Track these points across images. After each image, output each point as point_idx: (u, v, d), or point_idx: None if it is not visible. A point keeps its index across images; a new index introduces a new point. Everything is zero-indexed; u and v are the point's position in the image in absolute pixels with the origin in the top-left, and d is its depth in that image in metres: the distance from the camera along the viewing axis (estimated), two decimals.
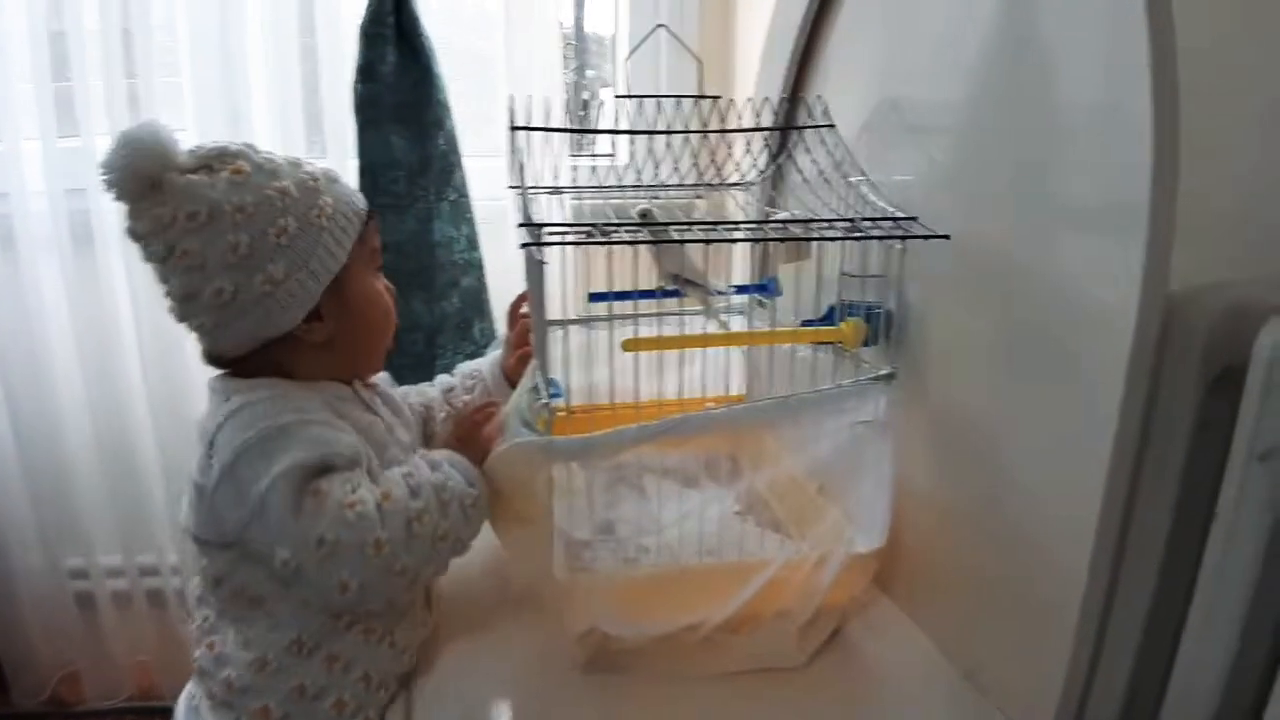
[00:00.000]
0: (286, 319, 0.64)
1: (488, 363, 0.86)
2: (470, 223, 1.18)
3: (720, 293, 0.80)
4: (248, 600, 0.63)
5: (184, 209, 0.61)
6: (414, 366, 1.16)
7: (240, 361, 0.66)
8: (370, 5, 1.10)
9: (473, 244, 1.18)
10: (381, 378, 0.77)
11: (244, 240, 0.61)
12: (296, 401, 0.63)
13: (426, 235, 1.13)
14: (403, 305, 1.15)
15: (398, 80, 1.10)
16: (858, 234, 0.66)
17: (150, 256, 0.63)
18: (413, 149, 1.12)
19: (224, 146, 0.64)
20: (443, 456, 0.66)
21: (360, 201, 0.70)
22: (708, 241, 0.64)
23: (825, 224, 0.67)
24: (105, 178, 0.61)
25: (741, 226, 0.66)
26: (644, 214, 0.69)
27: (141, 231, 0.62)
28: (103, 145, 1.13)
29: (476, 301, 1.19)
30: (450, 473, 0.64)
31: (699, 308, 0.80)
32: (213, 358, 0.67)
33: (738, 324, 0.85)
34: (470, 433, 0.70)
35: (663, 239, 0.64)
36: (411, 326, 1.15)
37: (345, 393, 0.69)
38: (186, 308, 0.63)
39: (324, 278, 0.65)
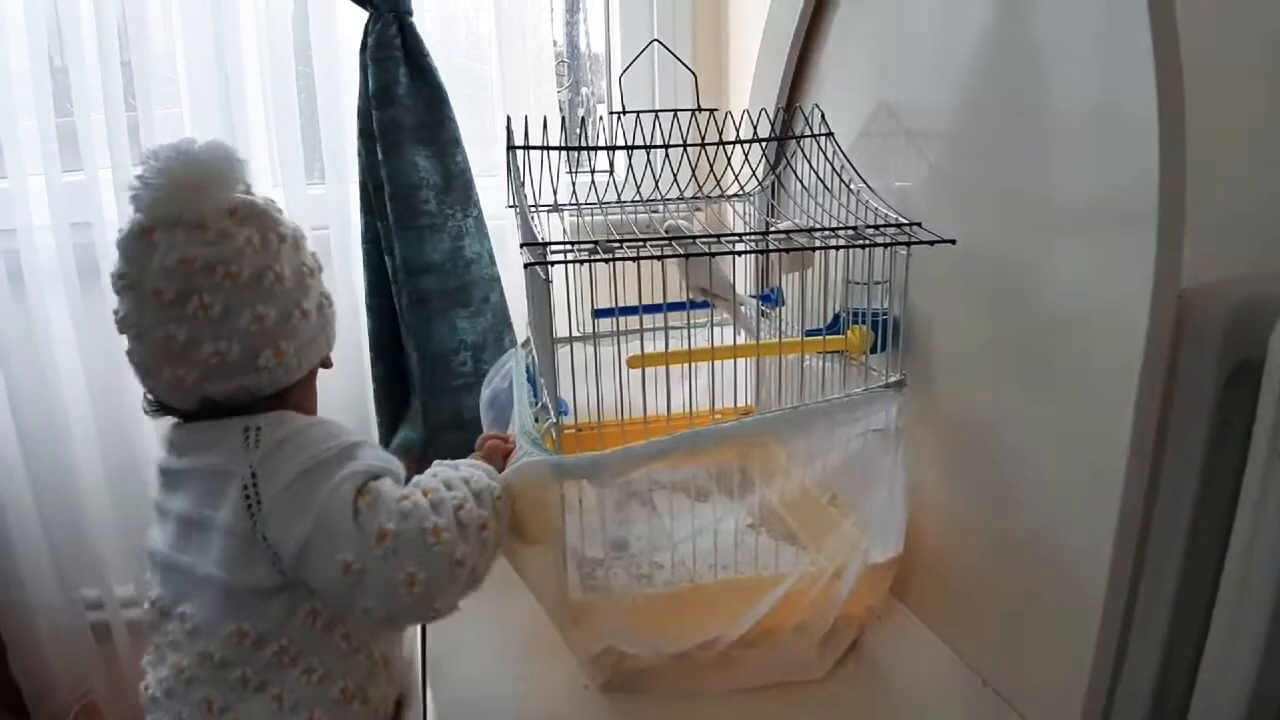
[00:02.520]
0: (333, 339, 0.66)
1: None
2: (488, 239, 1.18)
3: (746, 304, 0.81)
4: (290, 658, 0.59)
5: (274, 229, 0.61)
6: (467, 387, 1.13)
7: (243, 402, 0.61)
8: (374, 30, 1.10)
9: (493, 259, 1.18)
10: None
11: (311, 262, 0.63)
12: (339, 428, 0.62)
13: (460, 252, 1.13)
14: (447, 325, 1.14)
15: (413, 101, 1.10)
16: (863, 241, 0.66)
17: (216, 283, 0.58)
18: (436, 168, 1.12)
19: None
20: (459, 461, 0.66)
21: None
22: (712, 254, 0.63)
23: (829, 232, 0.67)
24: (177, 193, 0.58)
25: (746, 238, 0.66)
26: (671, 230, 0.69)
27: (216, 257, 0.58)
28: (105, 179, 1.15)
29: (504, 316, 1.19)
30: (471, 470, 0.64)
31: (707, 321, 0.80)
32: (205, 404, 0.61)
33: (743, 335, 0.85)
34: (492, 455, 0.69)
35: (678, 254, 0.64)
36: (459, 347, 1.13)
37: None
38: (266, 336, 0.60)
39: None
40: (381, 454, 0.62)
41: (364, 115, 1.11)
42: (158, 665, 0.62)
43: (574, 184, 0.80)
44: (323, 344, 0.65)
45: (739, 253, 0.65)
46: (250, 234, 0.59)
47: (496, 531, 0.61)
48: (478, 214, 1.16)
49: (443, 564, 0.57)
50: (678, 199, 0.83)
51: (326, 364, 0.67)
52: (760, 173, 0.86)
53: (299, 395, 0.64)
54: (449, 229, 1.12)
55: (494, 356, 1.15)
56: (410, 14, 1.11)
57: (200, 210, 0.58)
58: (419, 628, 0.77)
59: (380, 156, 1.09)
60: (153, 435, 1.24)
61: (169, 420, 0.64)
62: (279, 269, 0.60)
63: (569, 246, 0.63)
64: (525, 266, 0.63)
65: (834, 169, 0.75)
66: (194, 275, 0.58)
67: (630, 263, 0.62)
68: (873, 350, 0.72)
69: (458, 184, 1.13)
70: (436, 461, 0.66)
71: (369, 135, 1.10)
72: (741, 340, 0.82)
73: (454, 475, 0.62)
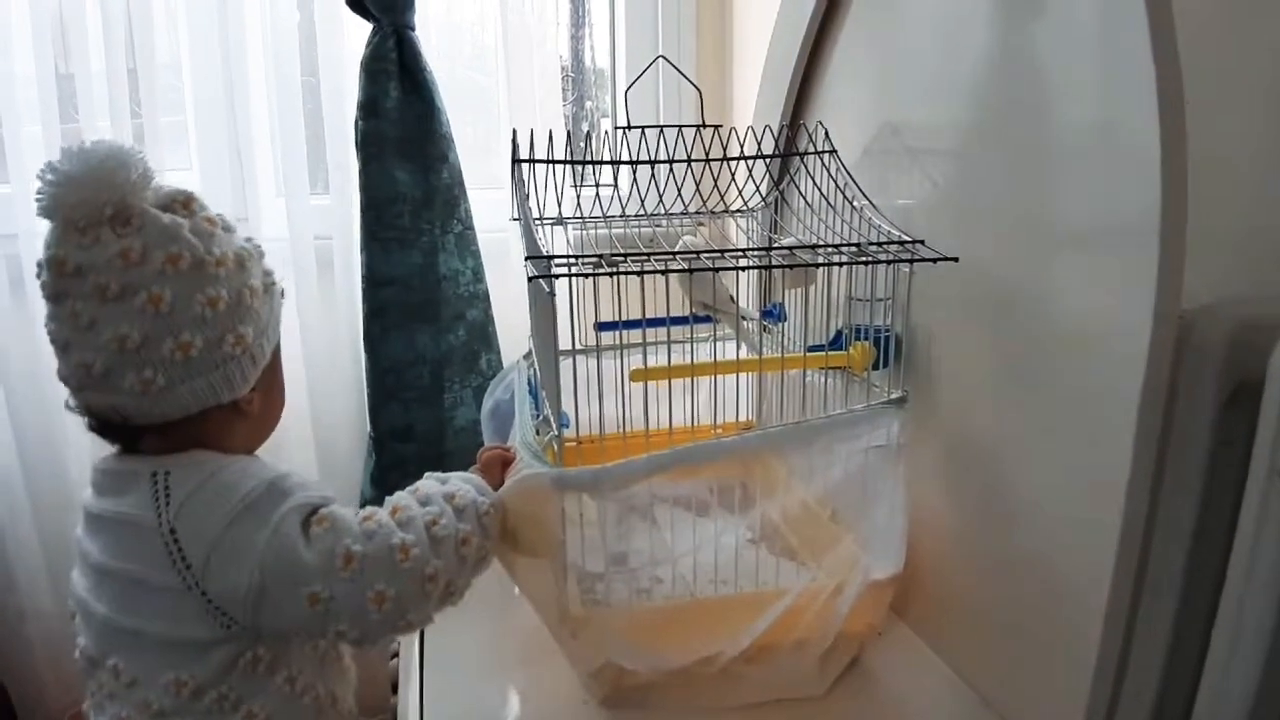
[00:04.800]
0: (241, 385, 0.59)
1: None
2: (476, 255, 1.18)
3: (749, 319, 0.81)
4: (231, 705, 0.58)
5: (163, 249, 0.55)
6: (420, 400, 1.16)
7: (150, 434, 0.59)
8: (372, 41, 1.11)
9: (478, 276, 1.18)
10: None
11: (224, 296, 0.57)
12: (257, 466, 0.59)
13: (432, 268, 1.14)
14: (408, 339, 1.15)
15: (401, 115, 1.11)
16: (866, 258, 0.66)
17: (86, 292, 0.55)
18: (417, 183, 1.13)
19: (182, 190, 0.59)
20: (450, 474, 0.65)
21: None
22: (716, 269, 0.64)
23: (832, 249, 0.68)
24: (54, 191, 0.54)
25: (750, 253, 0.66)
26: (678, 245, 0.69)
27: (87, 264, 0.54)
28: None
29: (483, 334, 1.19)
30: (459, 485, 0.63)
31: (709, 335, 0.81)
32: (106, 426, 0.60)
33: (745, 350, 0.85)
34: (490, 465, 0.69)
35: (682, 268, 0.64)
36: (417, 360, 1.15)
37: (268, 461, 0.64)
38: (128, 359, 0.55)
39: (275, 343, 0.63)
40: (311, 483, 0.60)
41: (357, 126, 1.12)
42: (98, 715, 0.60)
43: (578, 198, 0.80)
44: (220, 386, 0.58)
45: (742, 268, 0.66)
46: (128, 246, 0.55)
47: (480, 546, 0.61)
48: (461, 230, 1.16)
49: (412, 580, 0.57)
50: (681, 214, 0.83)
51: (240, 407, 0.61)
52: (764, 189, 0.86)
53: (213, 433, 0.60)
54: (421, 244, 1.13)
55: (461, 374, 1.16)
56: (411, 28, 1.12)
57: (80, 211, 0.55)
58: (416, 641, 0.77)
59: (360, 166, 1.10)
60: None
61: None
62: (158, 291, 0.55)
63: (573, 260, 0.63)
64: (529, 279, 0.64)
65: (837, 186, 0.76)
66: (65, 279, 0.55)
67: (633, 276, 0.63)
68: (875, 367, 0.72)
69: (440, 199, 1.13)
70: (427, 474, 0.65)
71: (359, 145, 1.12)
72: (744, 355, 0.83)
73: (435, 490, 0.62)
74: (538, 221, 0.75)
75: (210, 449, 0.60)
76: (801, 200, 0.79)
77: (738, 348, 0.82)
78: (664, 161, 0.75)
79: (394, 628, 0.58)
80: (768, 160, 0.84)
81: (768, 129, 0.86)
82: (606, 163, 0.77)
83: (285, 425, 1.23)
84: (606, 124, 1.47)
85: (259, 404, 0.63)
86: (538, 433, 0.70)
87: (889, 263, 0.66)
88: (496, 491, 0.64)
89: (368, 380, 1.17)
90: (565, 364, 0.67)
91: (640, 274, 0.62)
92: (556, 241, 0.81)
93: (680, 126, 0.76)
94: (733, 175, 0.81)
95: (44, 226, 1.27)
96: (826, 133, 0.79)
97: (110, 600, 0.59)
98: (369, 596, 0.56)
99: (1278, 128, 0.62)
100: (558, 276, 0.61)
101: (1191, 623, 0.53)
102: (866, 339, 0.72)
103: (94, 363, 0.56)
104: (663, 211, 0.80)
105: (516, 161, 0.75)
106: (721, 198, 0.83)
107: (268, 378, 0.63)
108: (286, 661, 0.60)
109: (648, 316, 0.66)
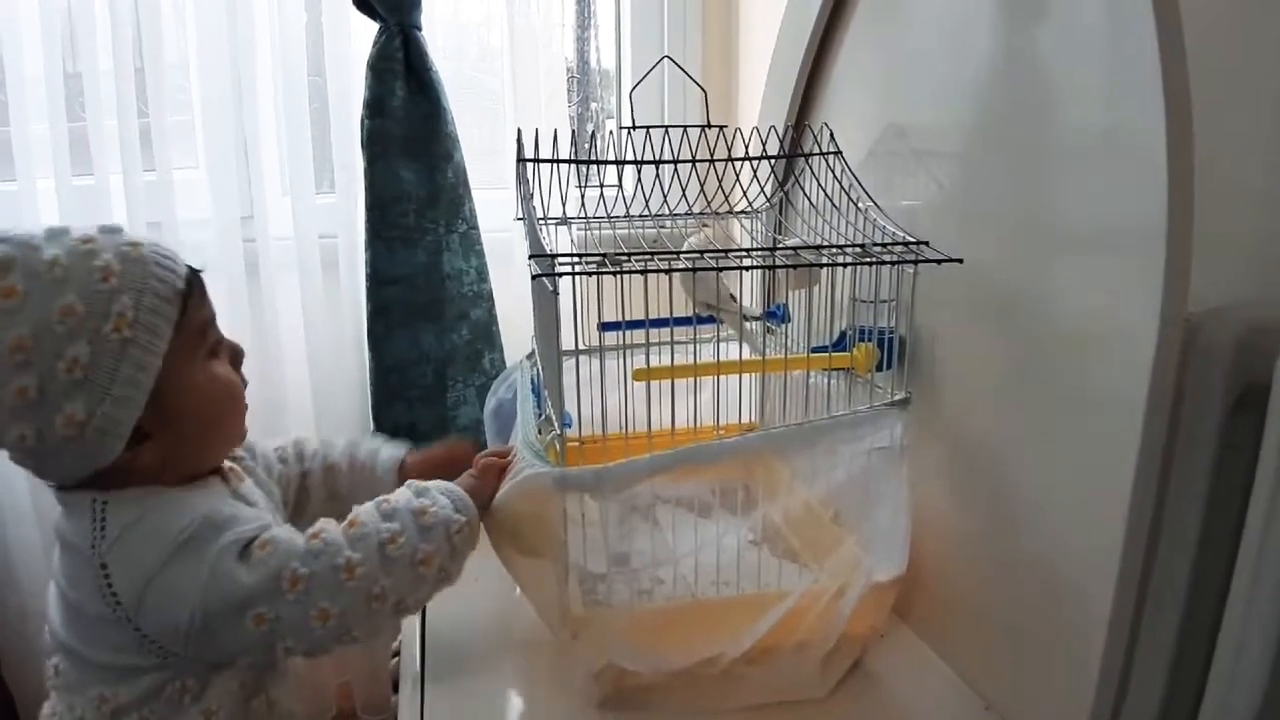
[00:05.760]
0: (105, 454, 0.57)
1: (383, 463, 0.78)
2: (480, 254, 1.18)
3: (752, 319, 0.81)
4: None
5: None
6: (424, 399, 1.16)
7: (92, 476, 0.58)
8: (378, 41, 1.11)
9: (482, 276, 1.19)
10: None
11: (31, 384, 0.54)
12: (195, 499, 0.59)
13: (436, 268, 1.14)
14: (412, 338, 1.16)
15: (407, 114, 1.11)
16: (870, 259, 0.66)
17: None
18: (422, 182, 1.13)
19: None
20: (432, 484, 0.65)
21: (175, 274, 0.59)
22: (720, 269, 0.64)
23: (837, 250, 0.67)
24: None
25: (754, 254, 0.66)
26: (687, 246, 0.69)
27: None
28: (116, 184, 1.16)
29: (487, 333, 1.20)
30: (437, 498, 0.62)
31: (713, 336, 0.81)
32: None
33: (748, 350, 0.85)
34: (486, 472, 0.68)
35: (687, 268, 0.64)
36: (421, 359, 1.15)
37: (217, 489, 0.64)
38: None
39: (138, 398, 0.57)
40: (247, 513, 0.60)
41: (363, 125, 1.12)
42: (51, 700, 0.62)
43: (583, 198, 0.80)
44: (81, 461, 0.57)
45: (746, 268, 0.66)
46: None
47: (442, 566, 0.61)
48: (466, 230, 1.16)
49: (356, 599, 0.57)
50: (686, 214, 0.83)
51: (125, 465, 0.58)
52: (768, 190, 0.86)
53: (131, 476, 0.59)
54: (425, 243, 1.13)
55: (464, 373, 1.17)
56: (418, 28, 1.12)
57: None
58: (417, 641, 0.77)
59: (365, 165, 1.11)
60: None
61: None
62: None
63: (576, 259, 0.63)
64: (533, 278, 0.64)
65: (842, 187, 0.75)
66: None
67: (637, 276, 0.63)
68: (878, 368, 0.72)
69: (445, 198, 1.14)
70: (409, 482, 0.65)
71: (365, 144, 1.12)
72: (747, 356, 0.82)
73: (406, 505, 0.61)
74: (542, 221, 0.75)
75: (146, 484, 0.59)
76: (806, 201, 0.79)
77: (741, 348, 0.82)
78: (668, 162, 0.75)
79: (340, 641, 0.59)
80: (772, 161, 0.84)
81: (773, 130, 0.86)
82: (611, 163, 0.77)
83: (288, 425, 1.24)
84: (611, 124, 1.47)
85: (159, 449, 0.59)
86: (540, 432, 0.70)
87: (893, 264, 0.66)
88: (491, 500, 0.64)
89: (371, 379, 1.18)
90: (568, 363, 0.66)
91: (644, 274, 0.62)
92: (561, 241, 0.81)
93: (685, 127, 0.76)
94: (737, 176, 0.81)
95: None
96: (831, 134, 0.79)
97: (58, 615, 0.61)
98: (312, 614, 0.56)
99: None
100: (561, 275, 0.61)
101: (1196, 629, 0.53)
102: (870, 340, 0.71)
103: None
104: (667, 212, 0.80)
105: (521, 161, 0.75)
106: (726, 198, 0.83)
107: (161, 414, 0.58)
108: (209, 696, 0.60)
109: (651, 317, 0.66)
